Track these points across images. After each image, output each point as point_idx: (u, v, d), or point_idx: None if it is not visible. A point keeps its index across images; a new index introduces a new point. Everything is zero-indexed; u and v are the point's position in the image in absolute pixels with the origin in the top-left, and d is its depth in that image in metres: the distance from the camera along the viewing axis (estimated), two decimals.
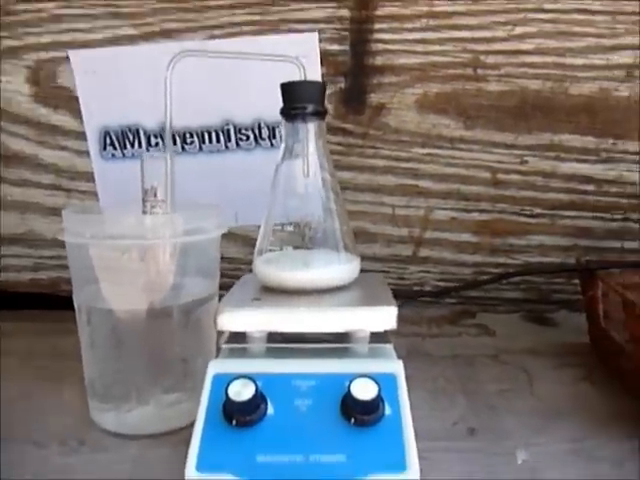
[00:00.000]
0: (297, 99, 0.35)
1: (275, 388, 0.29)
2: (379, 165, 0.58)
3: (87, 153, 0.58)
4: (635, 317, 0.37)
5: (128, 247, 0.34)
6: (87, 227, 0.34)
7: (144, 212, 0.36)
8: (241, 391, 0.28)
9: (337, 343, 0.33)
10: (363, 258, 0.60)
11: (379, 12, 0.54)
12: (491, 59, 0.54)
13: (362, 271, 0.39)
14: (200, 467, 0.27)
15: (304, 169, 0.36)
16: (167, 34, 0.54)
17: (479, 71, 0.55)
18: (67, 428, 0.37)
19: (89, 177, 0.58)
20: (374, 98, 0.56)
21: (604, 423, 0.37)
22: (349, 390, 0.28)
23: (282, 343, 0.33)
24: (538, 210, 0.58)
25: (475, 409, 0.39)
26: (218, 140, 0.57)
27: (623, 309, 0.40)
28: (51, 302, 0.60)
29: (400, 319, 0.56)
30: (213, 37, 0.54)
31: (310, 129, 0.36)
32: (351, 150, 0.57)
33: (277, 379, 0.30)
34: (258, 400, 0.28)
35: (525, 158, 0.57)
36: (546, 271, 0.58)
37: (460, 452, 0.34)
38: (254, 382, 0.28)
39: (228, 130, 0.57)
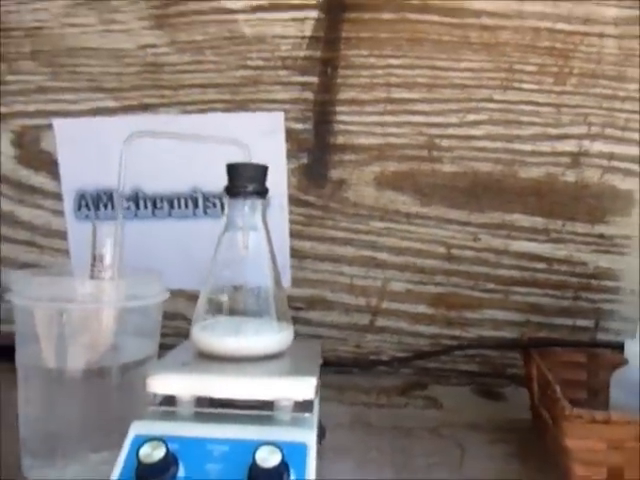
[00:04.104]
0: (239, 179, 0.38)
1: (188, 451, 0.31)
2: (339, 236, 0.61)
3: (62, 213, 0.61)
4: (549, 397, 0.39)
5: (70, 310, 0.36)
6: (33, 289, 0.36)
7: (91, 277, 0.38)
8: (152, 453, 0.29)
9: (263, 410, 0.34)
10: (321, 325, 0.63)
11: (341, 96, 0.58)
12: (445, 142, 0.58)
13: (310, 337, 0.41)
14: None
15: (244, 241, 0.39)
16: (145, 107, 0.59)
17: (434, 153, 0.59)
18: None
19: (62, 236, 0.61)
20: (335, 174, 0.59)
21: None
22: (254, 458, 0.29)
23: (212, 407, 0.34)
24: (491, 285, 0.61)
25: None
26: (187, 206, 0.60)
27: (545, 388, 0.41)
28: None
29: (353, 388, 0.58)
30: (186, 112, 0.58)
31: (250, 206, 0.39)
32: (312, 221, 0.60)
33: (191, 442, 0.31)
34: (169, 462, 0.29)
35: (478, 235, 0.60)
36: (486, 346, 0.59)
37: None
38: (165, 444, 0.29)
39: (196, 198, 0.60)
